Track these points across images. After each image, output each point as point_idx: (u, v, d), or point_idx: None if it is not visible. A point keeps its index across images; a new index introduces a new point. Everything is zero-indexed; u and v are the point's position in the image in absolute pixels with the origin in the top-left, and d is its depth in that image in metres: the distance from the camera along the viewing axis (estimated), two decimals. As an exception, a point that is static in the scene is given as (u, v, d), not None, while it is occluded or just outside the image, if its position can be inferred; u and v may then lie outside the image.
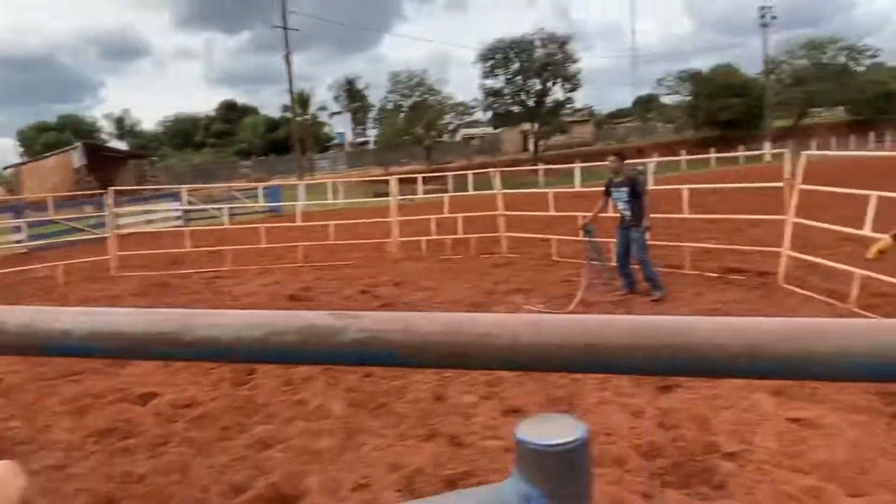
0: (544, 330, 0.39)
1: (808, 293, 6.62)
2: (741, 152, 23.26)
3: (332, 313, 0.43)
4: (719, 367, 0.37)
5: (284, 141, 59.34)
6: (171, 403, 4.57)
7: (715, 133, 53.92)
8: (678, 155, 31.34)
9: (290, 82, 33.44)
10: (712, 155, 15.28)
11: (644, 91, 75.15)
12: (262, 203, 19.07)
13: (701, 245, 9.10)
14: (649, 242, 7.21)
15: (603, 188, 7.47)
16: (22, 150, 60.06)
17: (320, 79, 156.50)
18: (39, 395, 5.00)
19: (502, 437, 3.81)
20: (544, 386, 4.54)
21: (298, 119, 41.85)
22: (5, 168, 45.74)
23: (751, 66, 76.49)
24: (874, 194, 5.91)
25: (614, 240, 7.45)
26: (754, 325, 0.36)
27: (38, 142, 57.32)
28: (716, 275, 7.81)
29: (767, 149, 34.84)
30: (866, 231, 5.93)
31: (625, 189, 6.95)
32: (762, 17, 48.13)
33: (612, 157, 7.25)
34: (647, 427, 3.81)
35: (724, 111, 51.20)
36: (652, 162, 11.31)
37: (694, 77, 52.89)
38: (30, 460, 3.79)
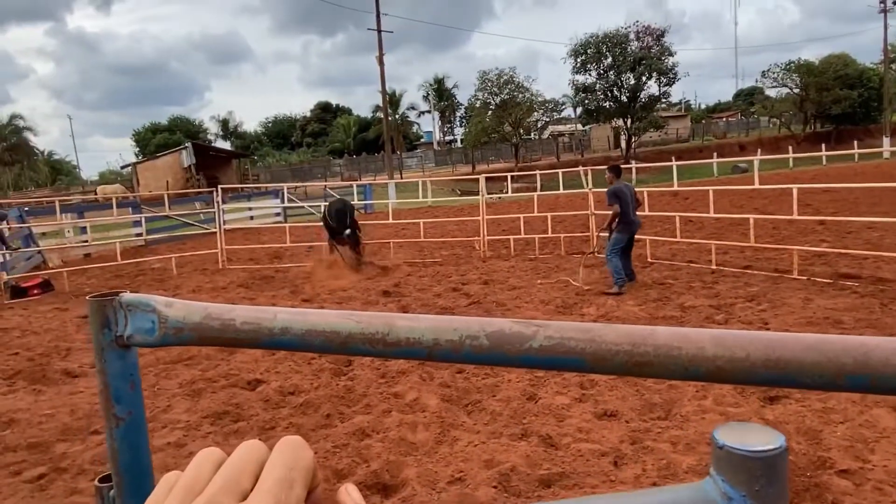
0: (726, 344, 0.42)
1: (936, 303, 6.09)
2: (856, 149, 21.51)
3: (518, 321, 0.48)
4: (904, 386, 0.39)
5: (375, 140, 61.02)
6: (277, 390, 4.85)
7: (826, 127, 50.28)
8: (784, 151, 29.48)
9: (383, 84, 34.26)
10: (823, 152, 14.23)
11: (747, 84, 71.26)
12: (355, 201, 19.71)
13: (810, 248, 8.55)
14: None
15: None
16: (137, 149, 65.24)
17: (410, 78, 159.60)
18: (159, 377, 5.45)
19: (596, 441, 3.77)
20: (640, 391, 4.45)
21: (388, 119, 42.86)
22: (124, 167, 49.74)
23: (866, 56, 70.66)
24: None
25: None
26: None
27: (151, 142, 61.96)
28: (827, 280, 7.33)
29: (886, 144, 32.11)
30: None
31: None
32: (882, 1, 44.22)
33: (607, 172, 8.13)
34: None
35: (837, 104, 47.57)
36: (755, 159, 10.70)
37: (803, 68, 49.42)
38: (152, 438, 4.15)
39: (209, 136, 72.31)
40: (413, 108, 66.42)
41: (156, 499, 0.33)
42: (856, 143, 35.95)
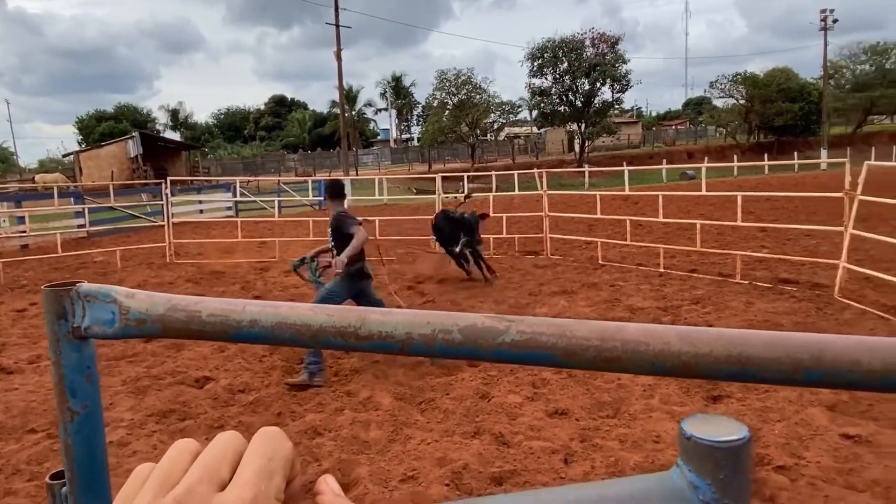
0: (691, 340, 0.44)
1: (865, 307, 6.43)
2: (796, 160, 22.52)
3: (491, 316, 0.49)
4: (855, 381, 0.41)
5: (330, 136, 60.30)
6: (226, 388, 4.75)
7: (769, 138, 52.35)
8: (730, 159, 30.59)
9: (340, 80, 33.87)
10: (766, 162, 14.86)
11: (696, 93, 73.49)
12: (310, 197, 19.44)
13: (752, 254, 8.90)
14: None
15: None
16: (80, 137, 62.61)
17: (368, 75, 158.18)
18: (101, 374, 5.25)
19: (547, 439, 3.83)
20: (590, 389, 4.54)
21: (345, 115, 42.45)
22: (65, 155, 47.68)
23: (809, 71, 73.92)
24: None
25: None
26: (890, 343, 0.40)
27: (96, 130, 59.59)
28: (768, 285, 7.64)
29: (824, 156, 33.68)
30: (931, 246, 5.71)
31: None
32: (823, 20, 46.33)
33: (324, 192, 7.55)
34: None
35: (780, 116, 49.68)
36: (702, 167, 11.09)
37: (748, 80, 51.39)
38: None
39: (158, 126, 70.03)
40: (370, 104, 66.00)
41: (128, 491, 0.32)
42: (796, 154, 37.56)
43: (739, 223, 8.87)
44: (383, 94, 65.02)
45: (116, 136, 46.65)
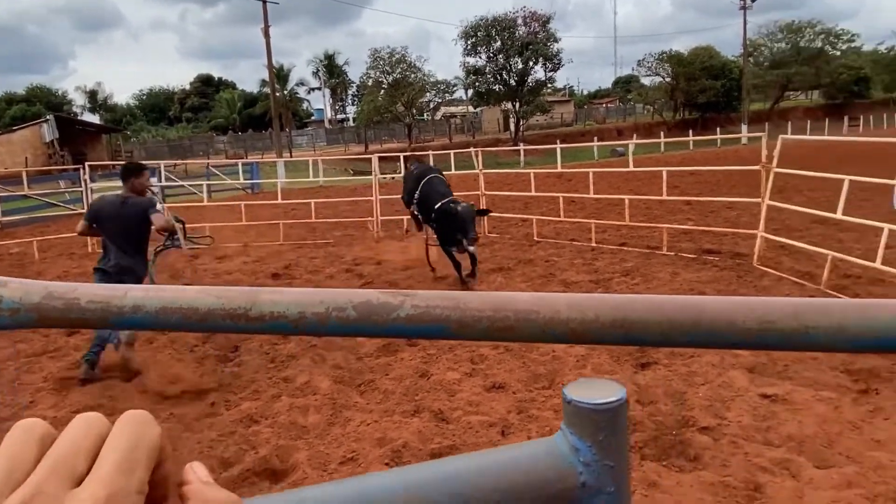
0: (579, 306, 0.44)
1: (781, 274, 6.81)
2: (719, 135, 23.51)
3: (386, 291, 0.48)
4: (731, 340, 0.43)
5: (262, 117, 58.53)
6: (156, 380, 4.58)
7: (694, 115, 54.36)
8: (657, 136, 31.62)
9: (269, 58, 32.80)
10: (690, 137, 15.47)
11: (625, 72, 75.27)
12: (241, 180, 18.84)
13: (678, 226, 9.26)
14: None
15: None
16: (-11, 122, 58.35)
17: (299, 53, 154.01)
18: (20, 371, 4.97)
19: (485, 413, 3.90)
20: (526, 363, 4.64)
21: (276, 95, 41.23)
22: (-28, 140, 44.35)
23: (730, 49, 76.96)
24: (847, 178, 6.07)
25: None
26: (764, 303, 0.42)
27: (6, 114, 55.72)
28: (692, 255, 7.98)
29: (744, 132, 35.27)
30: (839, 215, 6.09)
31: None
32: (742, -1, 48.25)
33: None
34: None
35: (703, 93, 51.67)
36: (630, 144, 11.46)
37: (674, 58, 53.11)
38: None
39: (75, 109, 66.13)
40: (302, 84, 64.34)
41: None
42: (718, 129, 39.21)
43: (666, 197, 9.21)
44: (316, 73, 63.53)
45: (29, 119, 43.78)
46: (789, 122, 41.74)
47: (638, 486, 3.03)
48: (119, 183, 4.97)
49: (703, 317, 0.43)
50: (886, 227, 5.59)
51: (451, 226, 6.87)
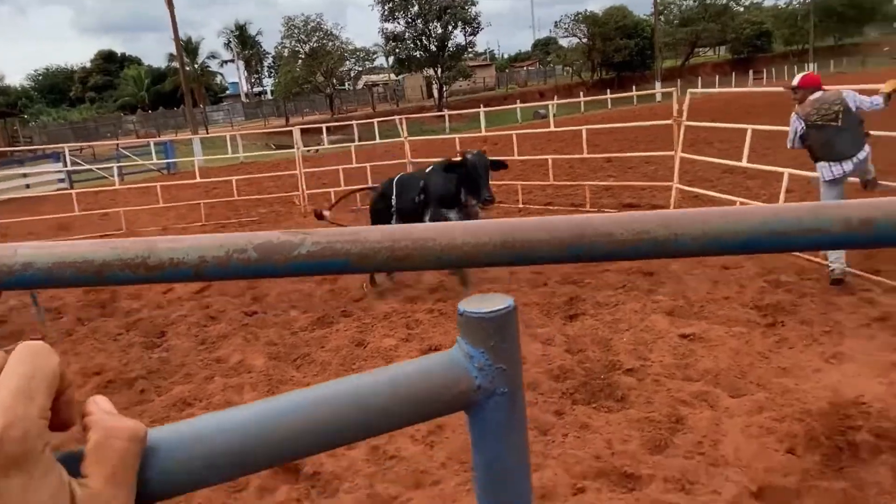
0: (474, 232, 0.47)
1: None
2: (634, 93, 24.27)
3: (286, 231, 0.49)
4: (610, 252, 0.47)
5: (172, 93, 55.60)
6: (79, 373, 4.39)
7: (611, 74, 55.69)
8: (577, 97, 32.24)
9: (175, 30, 30.98)
10: (608, 96, 15.86)
11: (543, 34, 75.94)
12: (155, 160, 17.93)
13: (599, 183, 9.56)
14: None
15: None
16: None
17: (208, 23, 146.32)
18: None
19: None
20: (461, 324, 4.73)
21: (186, 69, 39.19)
22: None
23: (641, 9, 78.90)
24: (749, 128, 6.41)
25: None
26: (639, 216, 0.46)
27: None
28: (613, 210, 8.28)
29: (658, 88, 36.45)
30: (744, 163, 6.44)
31: None
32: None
33: None
34: (556, 353, 4.09)
35: (619, 53, 52.93)
36: (551, 104, 11.66)
37: (589, 19, 54.01)
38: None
39: (-40, 93, 60.61)
40: (214, 56, 61.27)
41: None
42: (634, 87, 40.36)
43: (587, 155, 9.46)
44: (227, 45, 60.67)
45: None
46: (699, 78, 43.44)
47: (570, 430, 3.19)
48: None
49: (585, 232, 0.47)
50: (786, 171, 5.96)
51: (454, 186, 5.29)
